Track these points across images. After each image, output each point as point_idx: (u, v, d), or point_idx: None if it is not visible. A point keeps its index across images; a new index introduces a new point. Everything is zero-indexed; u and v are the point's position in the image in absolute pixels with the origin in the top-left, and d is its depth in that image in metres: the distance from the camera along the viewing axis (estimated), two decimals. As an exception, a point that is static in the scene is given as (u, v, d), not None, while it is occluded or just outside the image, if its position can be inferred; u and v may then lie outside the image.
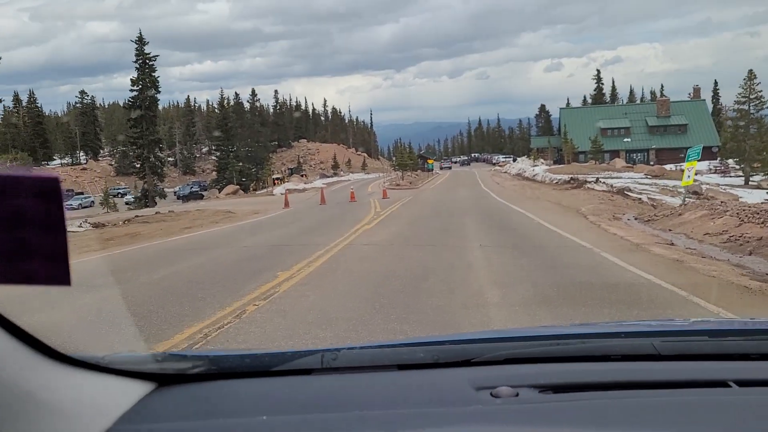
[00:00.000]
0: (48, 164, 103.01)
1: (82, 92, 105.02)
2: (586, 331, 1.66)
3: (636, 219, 14.62)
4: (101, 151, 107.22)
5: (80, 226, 21.83)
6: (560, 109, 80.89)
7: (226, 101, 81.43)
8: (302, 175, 76.19)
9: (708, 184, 37.56)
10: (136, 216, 26.61)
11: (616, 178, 37.69)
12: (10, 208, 0.60)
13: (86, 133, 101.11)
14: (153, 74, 49.95)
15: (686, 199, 18.19)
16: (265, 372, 1.28)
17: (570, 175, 35.49)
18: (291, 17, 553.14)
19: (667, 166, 49.27)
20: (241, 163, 67.24)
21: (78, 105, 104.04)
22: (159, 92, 50.71)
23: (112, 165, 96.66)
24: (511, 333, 1.70)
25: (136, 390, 1.14)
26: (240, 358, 1.35)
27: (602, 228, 12.87)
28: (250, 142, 71.28)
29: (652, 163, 62.03)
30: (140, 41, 49.37)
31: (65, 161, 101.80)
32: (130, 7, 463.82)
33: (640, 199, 24.62)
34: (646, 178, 40.74)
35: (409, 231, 13.57)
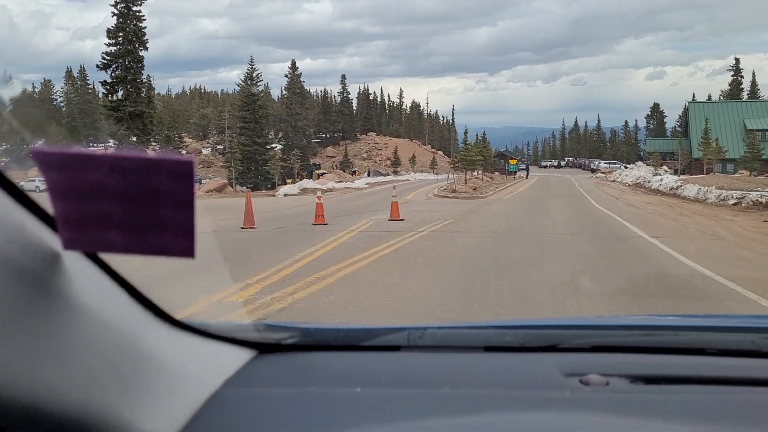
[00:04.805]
0: (94, 146, 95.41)
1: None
2: (679, 324, 1.56)
3: None
4: (157, 136, 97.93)
5: None
6: (688, 103, 62.69)
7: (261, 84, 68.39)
8: (353, 173, 62.78)
9: None
10: None
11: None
12: (150, 186, 0.65)
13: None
14: (139, 24, 37.33)
15: None
16: (355, 346, 1.31)
17: (758, 191, 19.43)
18: (390, 18, 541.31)
19: None
20: (278, 153, 54.32)
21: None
22: (146, 49, 37.98)
23: (155, 150, 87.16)
24: (599, 321, 1.60)
25: (240, 356, 1.19)
26: (333, 332, 1.37)
27: None
28: (284, 127, 57.69)
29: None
30: (123, -22, 36.81)
31: (111, 144, 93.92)
32: (241, 6, 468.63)
33: None
34: None
35: None
